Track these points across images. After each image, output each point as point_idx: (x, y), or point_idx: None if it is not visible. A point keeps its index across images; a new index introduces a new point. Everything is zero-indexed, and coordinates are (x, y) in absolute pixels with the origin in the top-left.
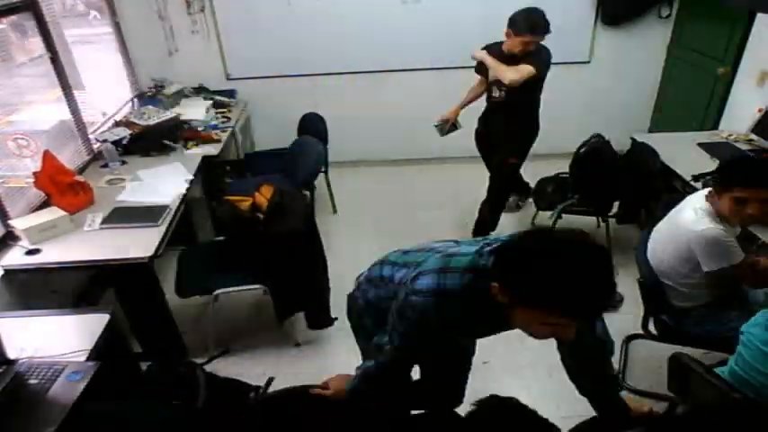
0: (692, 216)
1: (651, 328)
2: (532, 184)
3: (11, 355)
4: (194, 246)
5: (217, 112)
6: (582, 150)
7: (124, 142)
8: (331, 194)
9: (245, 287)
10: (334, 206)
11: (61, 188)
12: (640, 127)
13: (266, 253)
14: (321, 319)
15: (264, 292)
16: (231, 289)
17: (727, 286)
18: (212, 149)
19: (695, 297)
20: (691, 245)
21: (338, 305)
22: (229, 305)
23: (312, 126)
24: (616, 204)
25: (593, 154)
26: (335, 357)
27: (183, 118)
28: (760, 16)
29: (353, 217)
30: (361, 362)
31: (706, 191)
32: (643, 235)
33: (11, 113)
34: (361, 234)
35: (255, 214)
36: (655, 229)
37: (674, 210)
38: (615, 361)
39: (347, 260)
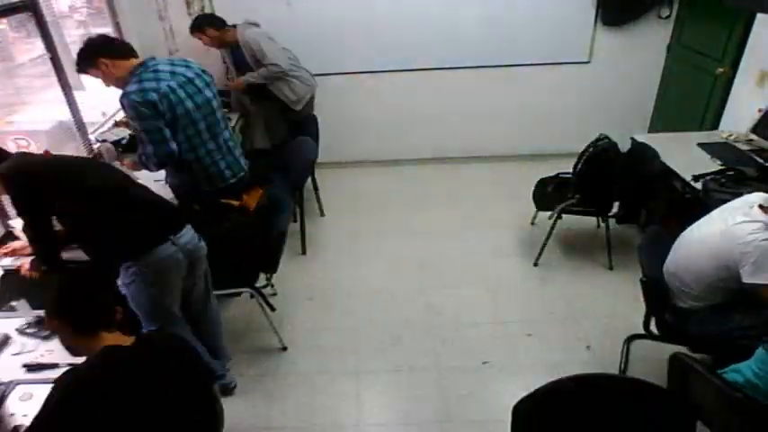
0: (746, 225)
1: (653, 328)
2: (533, 185)
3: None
4: None
5: None
6: (590, 151)
7: (124, 142)
8: (318, 198)
9: (230, 290)
10: (321, 210)
11: None
12: (640, 127)
13: (250, 256)
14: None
15: (251, 296)
16: (217, 292)
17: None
18: None
19: (707, 299)
20: (738, 253)
21: (334, 305)
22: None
23: (313, 127)
24: (616, 204)
25: (602, 155)
26: (326, 357)
27: None
28: (760, 16)
29: (352, 217)
30: (355, 364)
31: (756, 199)
32: (648, 233)
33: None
34: (360, 234)
35: (240, 216)
36: (689, 230)
37: (715, 213)
38: (615, 361)
39: (345, 261)
